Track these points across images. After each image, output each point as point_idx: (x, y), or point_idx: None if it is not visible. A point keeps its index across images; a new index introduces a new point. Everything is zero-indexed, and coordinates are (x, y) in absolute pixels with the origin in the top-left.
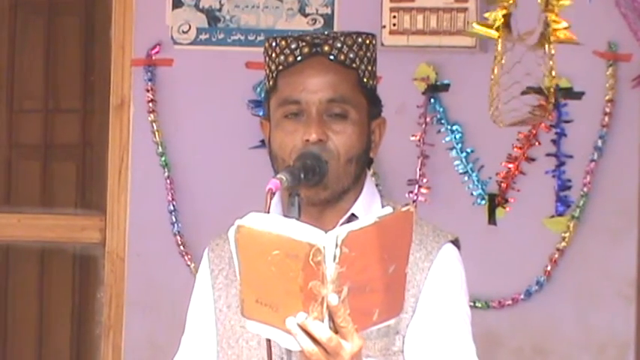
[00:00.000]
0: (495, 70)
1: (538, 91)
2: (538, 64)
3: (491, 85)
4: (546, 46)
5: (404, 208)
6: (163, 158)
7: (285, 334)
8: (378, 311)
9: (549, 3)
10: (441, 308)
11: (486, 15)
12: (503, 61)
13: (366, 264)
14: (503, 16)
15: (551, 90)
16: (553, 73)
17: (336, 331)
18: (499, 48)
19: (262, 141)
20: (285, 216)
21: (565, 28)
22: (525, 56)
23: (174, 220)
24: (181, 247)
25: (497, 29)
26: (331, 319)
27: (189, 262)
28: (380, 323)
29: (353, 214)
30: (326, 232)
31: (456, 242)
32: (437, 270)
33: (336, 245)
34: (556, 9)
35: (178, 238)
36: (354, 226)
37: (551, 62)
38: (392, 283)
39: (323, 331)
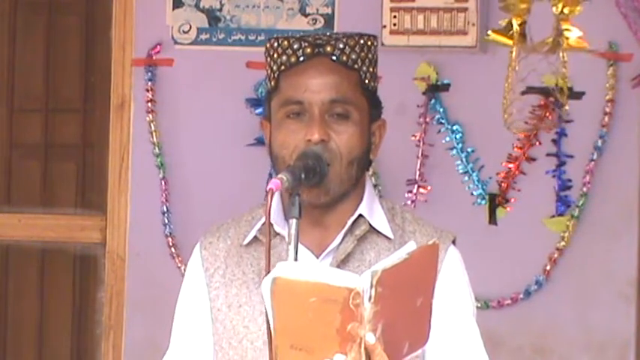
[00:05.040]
0: (510, 78)
1: (538, 91)
2: (551, 71)
3: (504, 92)
4: (560, 53)
5: (430, 242)
6: (159, 159)
7: None
8: (408, 343)
9: (563, 12)
10: (455, 317)
11: (501, 22)
12: (517, 68)
13: (397, 300)
14: (519, 25)
15: (565, 96)
16: (567, 80)
17: None
18: (513, 55)
19: (257, 139)
20: (287, 217)
21: (578, 36)
22: (537, 63)
23: (166, 221)
24: (172, 249)
25: (511, 37)
26: (368, 357)
27: (179, 264)
28: (409, 354)
29: (361, 215)
30: (332, 229)
31: (454, 242)
32: (445, 275)
33: (371, 285)
34: (569, 16)
35: (170, 239)
36: (386, 264)
37: (564, 69)
38: (420, 315)
39: None
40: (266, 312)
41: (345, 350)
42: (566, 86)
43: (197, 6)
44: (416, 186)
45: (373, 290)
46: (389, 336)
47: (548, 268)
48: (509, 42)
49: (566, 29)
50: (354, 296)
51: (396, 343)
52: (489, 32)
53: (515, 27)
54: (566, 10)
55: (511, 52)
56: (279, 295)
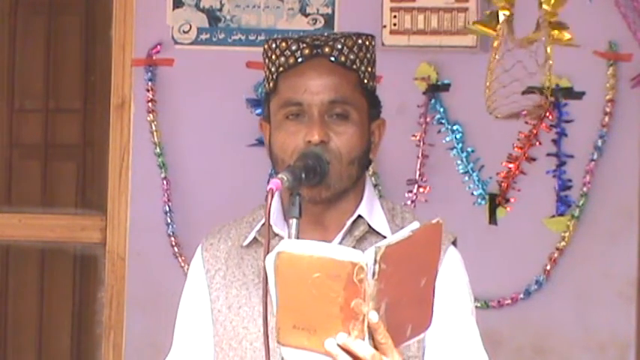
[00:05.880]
0: (492, 65)
1: (539, 90)
2: (538, 64)
3: (486, 77)
4: (545, 46)
5: (434, 220)
6: (160, 159)
7: (323, 357)
8: (411, 326)
9: (548, 5)
10: (454, 316)
11: (486, 13)
12: (497, 57)
13: (401, 278)
14: (505, 15)
15: (549, 88)
16: (551, 72)
17: (376, 348)
18: (495, 44)
19: (258, 139)
20: (287, 218)
21: (564, 30)
22: (525, 55)
23: (169, 221)
24: (175, 249)
25: (494, 28)
26: (371, 336)
27: (182, 264)
28: (412, 338)
29: (360, 216)
30: (331, 230)
31: (454, 243)
32: (445, 275)
33: (375, 261)
34: (557, 9)
35: (172, 239)
36: (390, 240)
37: (550, 62)
38: (423, 297)
39: (366, 349)
40: (264, 305)
41: (348, 329)
42: (551, 80)
43: (197, 6)
44: (416, 186)
45: (377, 266)
46: (392, 316)
47: (548, 267)
48: (492, 32)
49: (551, 23)
50: (357, 271)
51: (399, 325)
52: (472, 22)
53: (501, 18)
54: (552, 3)
55: (493, 43)
56: (283, 270)
